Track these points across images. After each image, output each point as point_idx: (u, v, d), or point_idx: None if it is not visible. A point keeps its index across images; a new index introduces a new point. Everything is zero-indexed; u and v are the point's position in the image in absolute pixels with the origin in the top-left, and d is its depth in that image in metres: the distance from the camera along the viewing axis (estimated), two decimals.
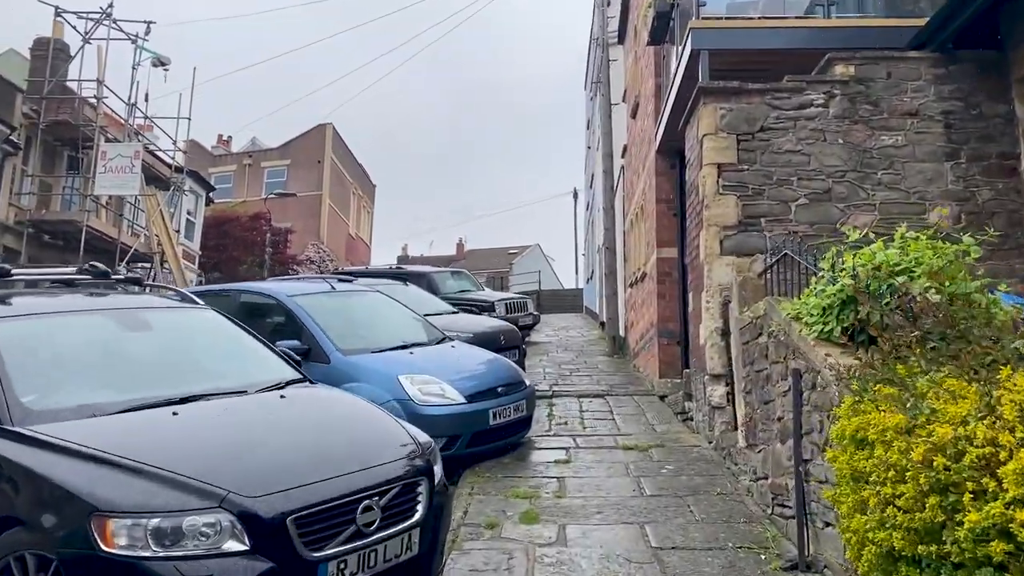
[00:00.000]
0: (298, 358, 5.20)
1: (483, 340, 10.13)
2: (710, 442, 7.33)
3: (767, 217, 7.51)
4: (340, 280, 10.69)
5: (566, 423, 8.58)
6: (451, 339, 8.09)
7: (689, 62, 8.41)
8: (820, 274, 4.62)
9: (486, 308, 15.90)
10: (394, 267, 18.94)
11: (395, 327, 7.84)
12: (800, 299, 4.78)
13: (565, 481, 6.16)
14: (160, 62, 22.20)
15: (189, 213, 27.62)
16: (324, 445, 3.78)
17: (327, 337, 6.96)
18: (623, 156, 15.76)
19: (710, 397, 7.29)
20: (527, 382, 7.54)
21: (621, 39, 16.47)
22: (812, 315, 4.31)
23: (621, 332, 15.54)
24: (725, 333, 7.31)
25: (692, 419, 8.36)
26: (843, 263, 4.26)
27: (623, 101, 16.01)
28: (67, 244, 19.34)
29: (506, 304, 16.40)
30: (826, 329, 4.13)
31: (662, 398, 9.97)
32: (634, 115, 13.65)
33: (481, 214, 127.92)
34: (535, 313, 17.96)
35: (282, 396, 4.34)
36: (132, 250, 20.65)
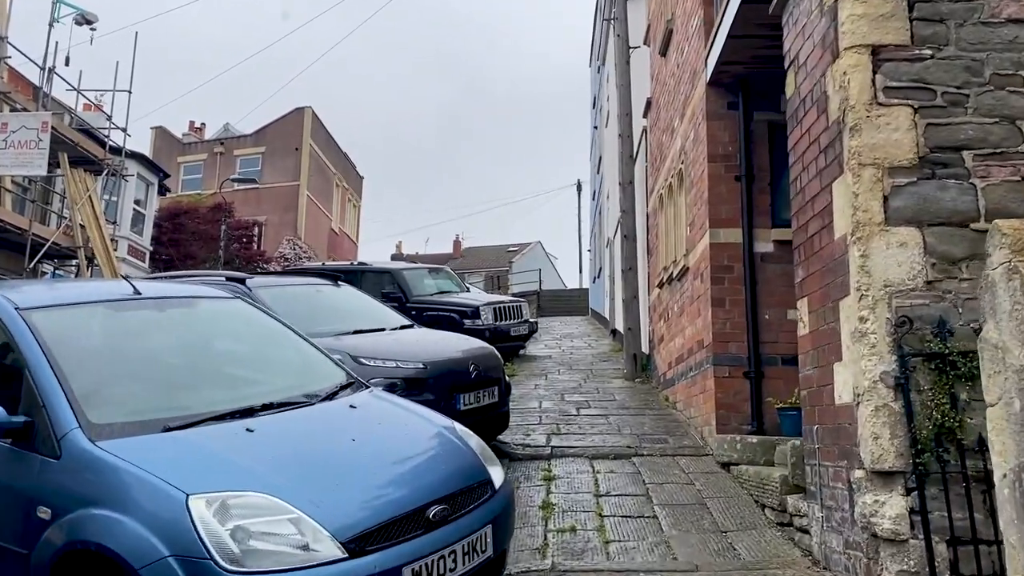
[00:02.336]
0: None
1: (441, 375, 6.36)
2: None
3: (975, 149, 3.77)
4: (226, 280, 7.09)
5: (573, 530, 4.83)
6: (363, 386, 4.30)
7: None
8: None
9: (468, 314, 12.28)
10: (356, 263, 15.38)
11: (240, 371, 4.07)
12: None
13: None
14: (85, 19, 18.71)
15: (137, 203, 23.90)
16: None
17: (67, 396, 3.23)
18: (646, 115, 12.00)
19: (870, 516, 3.55)
20: (497, 481, 3.74)
21: None
22: None
23: (644, 348, 11.77)
24: (900, 385, 3.57)
25: (806, 530, 4.58)
26: None
27: (644, 44, 12.26)
28: None
29: (494, 309, 12.77)
30: None
31: (725, 467, 6.23)
32: (664, 51, 9.90)
33: (480, 210, 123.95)
34: (531, 320, 14.20)
35: None
36: (48, 244, 17.01)
